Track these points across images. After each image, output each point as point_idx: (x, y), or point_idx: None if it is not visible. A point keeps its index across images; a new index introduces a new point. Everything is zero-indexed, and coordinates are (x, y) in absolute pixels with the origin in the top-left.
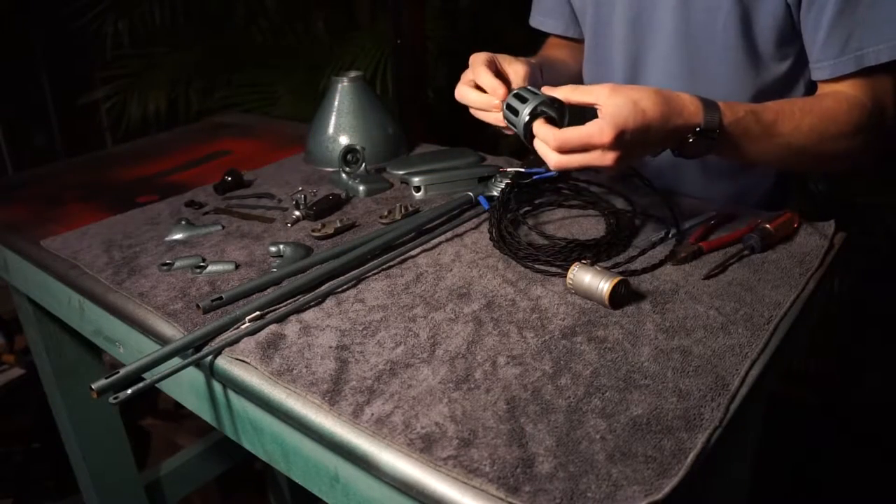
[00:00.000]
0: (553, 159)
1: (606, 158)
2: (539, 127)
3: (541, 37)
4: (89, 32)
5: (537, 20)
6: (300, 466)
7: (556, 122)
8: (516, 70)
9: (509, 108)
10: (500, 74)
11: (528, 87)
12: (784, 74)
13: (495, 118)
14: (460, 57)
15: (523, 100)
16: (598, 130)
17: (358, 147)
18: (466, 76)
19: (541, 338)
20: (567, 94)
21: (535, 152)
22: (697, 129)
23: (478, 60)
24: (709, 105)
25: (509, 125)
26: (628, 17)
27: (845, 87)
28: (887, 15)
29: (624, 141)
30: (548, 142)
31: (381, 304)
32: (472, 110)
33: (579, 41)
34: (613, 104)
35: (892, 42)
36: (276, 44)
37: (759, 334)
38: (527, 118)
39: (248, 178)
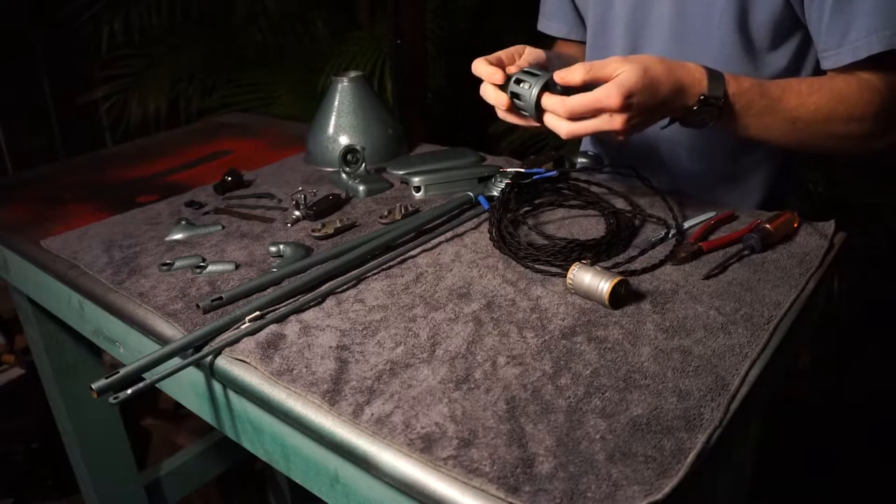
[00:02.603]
0: (564, 128)
1: (615, 122)
2: (547, 98)
3: (546, 39)
4: (88, 32)
5: (543, 24)
6: (300, 466)
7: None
8: (534, 55)
9: (516, 84)
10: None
11: (529, 69)
12: (781, 70)
13: (496, 97)
14: (460, 57)
15: (530, 76)
16: (606, 94)
17: (358, 147)
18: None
19: (541, 338)
20: (583, 73)
21: (542, 128)
22: (702, 96)
23: (500, 51)
24: (714, 75)
25: (516, 105)
26: (627, 12)
27: (859, 73)
28: (882, 4)
29: (632, 104)
30: (557, 110)
31: (381, 304)
32: (481, 87)
33: (585, 43)
34: (623, 70)
35: (887, 31)
36: (275, 44)
37: (759, 334)
38: (536, 93)
39: (248, 178)
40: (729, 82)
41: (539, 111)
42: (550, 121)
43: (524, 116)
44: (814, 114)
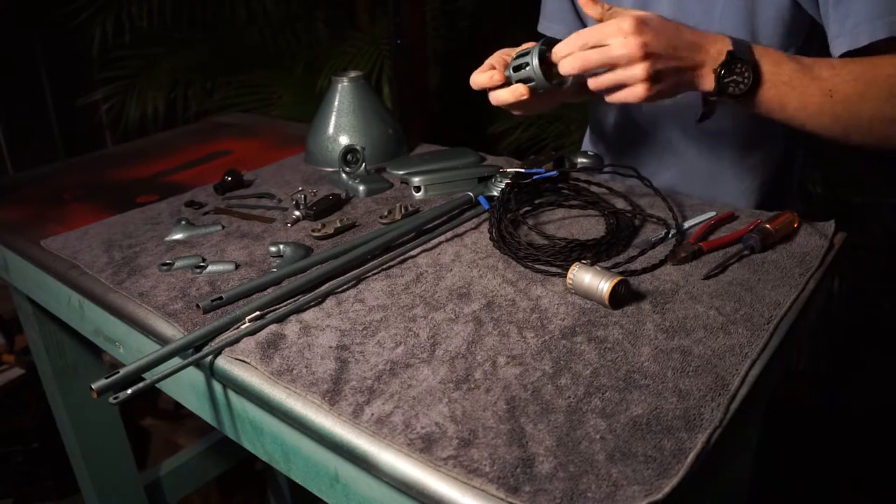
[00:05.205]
0: (577, 60)
1: (630, 44)
2: (559, 46)
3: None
4: (87, 33)
5: (543, 25)
6: (300, 466)
7: None
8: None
9: (516, 71)
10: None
11: (518, 53)
12: None
13: (511, 92)
14: (460, 57)
15: (522, 56)
16: (617, 17)
17: (358, 147)
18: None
19: (541, 338)
20: (601, 9)
21: (553, 86)
22: (729, 52)
23: (488, 60)
24: (736, 39)
25: (523, 82)
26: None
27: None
28: None
29: (648, 29)
30: (571, 47)
31: (381, 304)
32: (490, 96)
33: None
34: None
35: (888, 18)
36: (275, 44)
37: (759, 334)
38: (537, 62)
39: (248, 178)
40: (754, 46)
41: (549, 76)
42: (565, 60)
43: (542, 97)
44: (851, 84)
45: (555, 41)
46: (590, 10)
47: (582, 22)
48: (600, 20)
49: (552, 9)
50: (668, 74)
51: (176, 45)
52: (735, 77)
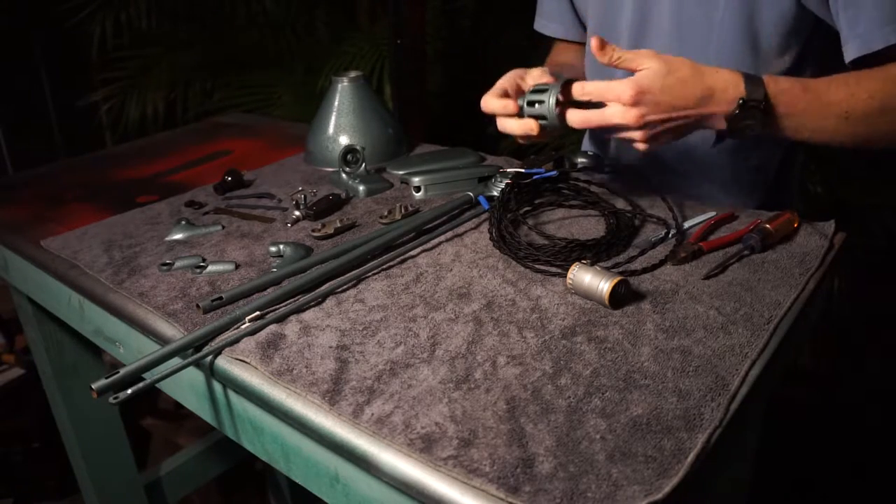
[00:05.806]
0: (577, 117)
1: (628, 116)
2: (574, 86)
3: (543, 39)
4: (87, 32)
5: (541, 24)
6: (300, 466)
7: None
8: (534, 75)
9: (530, 107)
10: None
11: (536, 86)
12: (787, 71)
13: (520, 126)
14: (460, 57)
15: (540, 93)
16: (618, 85)
17: (358, 147)
18: (494, 87)
19: (541, 338)
20: (612, 56)
21: (566, 131)
22: (741, 100)
23: (500, 81)
24: (751, 78)
25: (535, 118)
26: (628, 12)
27: None
28: None
29: (646, 101)
30: (576, 96)
31: (381, 304)
32: (498, 122)
33: (583, 43)
34: (648, 65)
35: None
36: (275, 44)
37: (759, 334)
38: (553, 105)
39: (248, 178)
40: (768, 83)
41: (564, 121)
42: (571, 116)
43: (548, 130)
44: (867, 102)
45: (573, 81)
46: (600, 57)
47: (580, 21)
48: (615, 65)
49: (549, 8)
50: (669, 132)
51: (176, 45)
52: (747, 122)
